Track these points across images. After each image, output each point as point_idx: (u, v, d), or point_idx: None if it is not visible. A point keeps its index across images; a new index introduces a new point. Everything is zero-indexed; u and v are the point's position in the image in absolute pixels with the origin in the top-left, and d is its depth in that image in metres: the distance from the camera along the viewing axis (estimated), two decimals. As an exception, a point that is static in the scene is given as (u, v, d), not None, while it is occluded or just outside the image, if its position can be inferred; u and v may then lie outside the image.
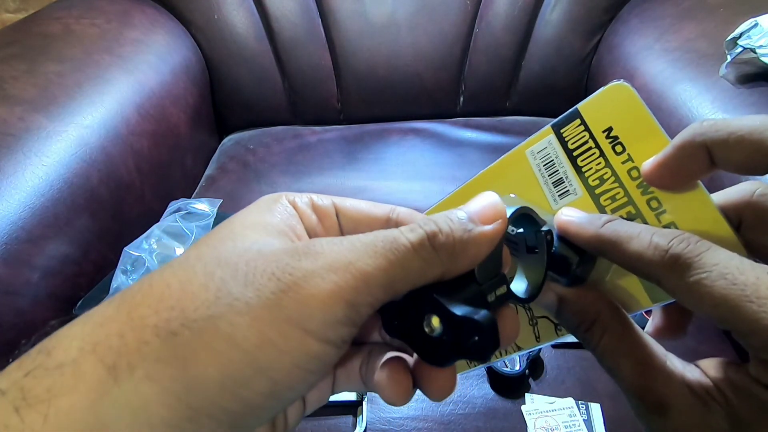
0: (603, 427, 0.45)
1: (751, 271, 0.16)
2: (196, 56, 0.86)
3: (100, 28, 0.72)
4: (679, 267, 0.17)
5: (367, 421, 0.45)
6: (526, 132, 0.87)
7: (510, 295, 0.19)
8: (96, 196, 0.56)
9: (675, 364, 0.20)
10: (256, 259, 0.16)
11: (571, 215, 0.21)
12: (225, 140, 0.92)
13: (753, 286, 0.16)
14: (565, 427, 0.44)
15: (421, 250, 0.17)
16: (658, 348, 0.20)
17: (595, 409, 0.46)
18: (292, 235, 0.19)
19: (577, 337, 0.21)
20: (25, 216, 0.47)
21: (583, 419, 0.45)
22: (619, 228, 0.20)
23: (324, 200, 0.21)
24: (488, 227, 0.18)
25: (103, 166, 0.58)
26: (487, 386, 0.48)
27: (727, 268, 0.16)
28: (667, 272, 0.18)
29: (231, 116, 0.94)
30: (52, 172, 0.52)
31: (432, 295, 0.17)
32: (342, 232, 0.21)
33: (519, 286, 0.21)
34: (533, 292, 0.21)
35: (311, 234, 0.20)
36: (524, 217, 0.21)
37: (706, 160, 0.19)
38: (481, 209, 0.19)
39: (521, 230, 0.22)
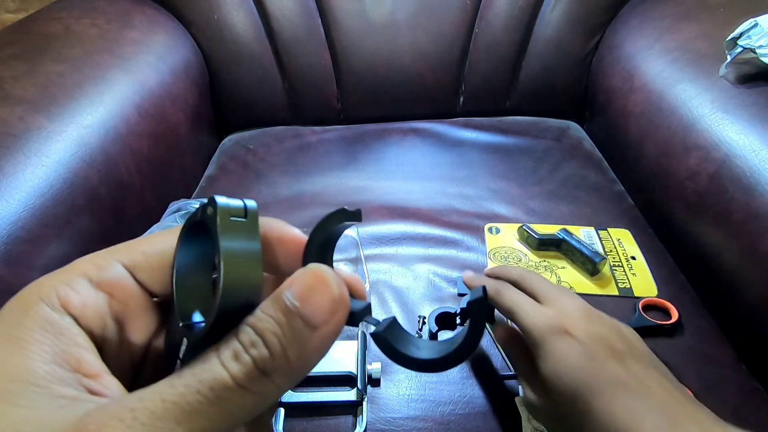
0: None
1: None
2: (196, 56, 0.86)
3: (100, 28, 0.72)
4: None
5: (367, 421, 0.45)
6: (526, 132, 0.88)
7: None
8: (96, 196, 0.56)
9: None
10: None
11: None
12: (225, 140, 0.92)
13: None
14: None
15: (252, 384, 0.13)
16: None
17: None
18: (70, 377, 0.14)
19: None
20: (25, 216, 0.47)
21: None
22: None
23: (108, 271, 0.17)
24: (328, 326, 0.14)
25: (103, 166, 0.58)
26: (487, 386, 0.48)
27: None
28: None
29: (231, 116, 0.94)
30: (52, 172, 0.52)
31: None
32: (146, 290, 0.18)
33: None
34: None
35: (100, 327, 0.16)
36: None
37: None
38: (317, 301, 0.14)
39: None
